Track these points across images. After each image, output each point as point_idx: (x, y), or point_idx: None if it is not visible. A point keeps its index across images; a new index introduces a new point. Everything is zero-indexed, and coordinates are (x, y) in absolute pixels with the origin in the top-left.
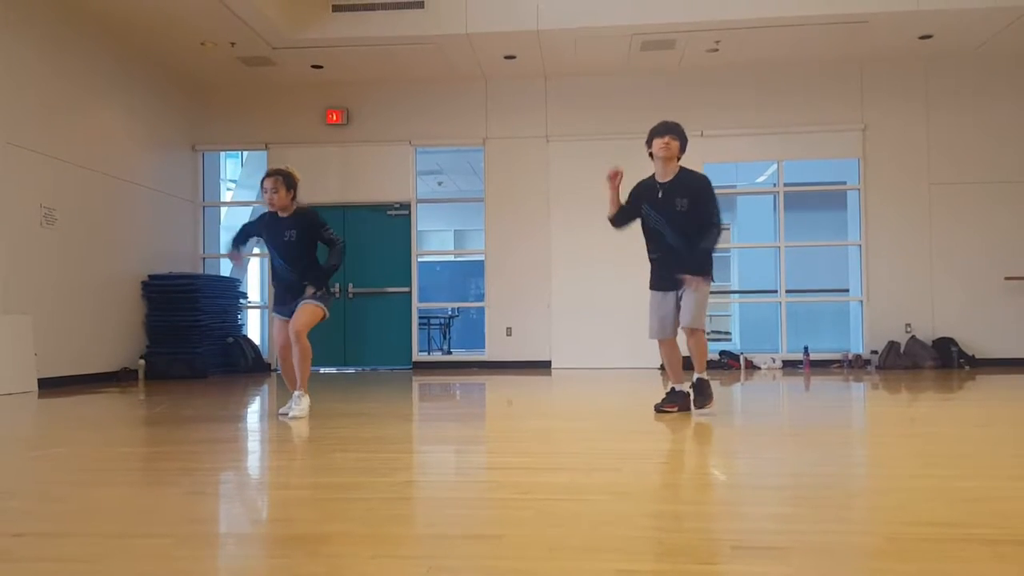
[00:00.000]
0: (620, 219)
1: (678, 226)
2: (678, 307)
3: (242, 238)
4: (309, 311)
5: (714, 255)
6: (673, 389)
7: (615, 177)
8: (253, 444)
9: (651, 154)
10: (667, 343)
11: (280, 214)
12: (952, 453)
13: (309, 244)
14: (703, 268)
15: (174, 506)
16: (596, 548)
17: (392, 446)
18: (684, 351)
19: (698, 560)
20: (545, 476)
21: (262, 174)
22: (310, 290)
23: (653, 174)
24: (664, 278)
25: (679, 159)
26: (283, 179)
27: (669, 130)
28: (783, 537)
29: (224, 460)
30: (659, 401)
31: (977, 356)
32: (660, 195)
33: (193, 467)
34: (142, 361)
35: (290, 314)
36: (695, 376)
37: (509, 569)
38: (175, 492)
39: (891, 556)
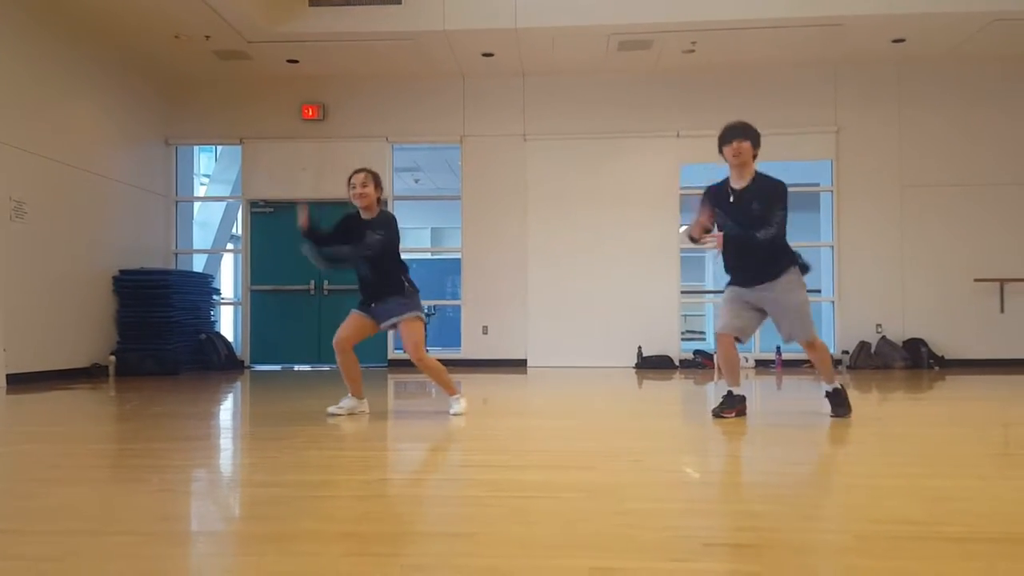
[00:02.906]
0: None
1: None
2: (759, 314)
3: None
4: (412, 331)
5: (801, 261)
6: (730, 392)
7: (696, 235)
8: (224, 441)
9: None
10: (727, 341)
11: (363, 215)
12: (921, 452)
13: (392, 246)
14: (792, 262)
15: (144, 504)
16: (569, 545)
17: (366, 444)
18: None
19: (670, 557)
20: (519, 474)
21: (237, 169)
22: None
23: (727, 178)
24: (749, 278)
25: (755, 157)
26: (372, 176)
27: (736, 133)
28: (754, 534)
29: (195, 457)
30: (716, 406)
31: (947, 357)
32: (732, 200)
33: (163, 464)
34: (113, 357)
35: (369, 311)
36: (825, 387)
37: (482, 567)
38: (145, 489)
39: (860, 554)
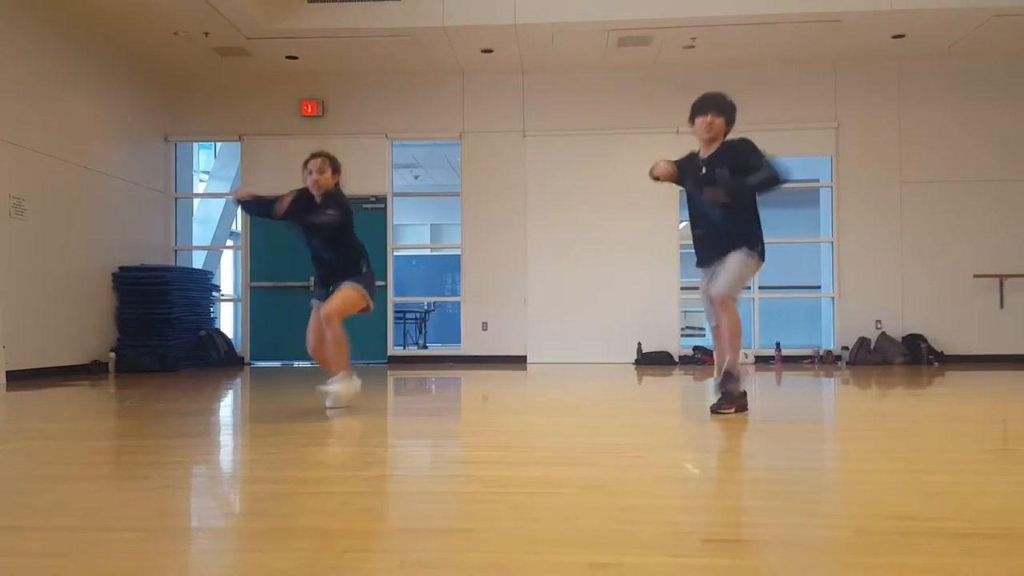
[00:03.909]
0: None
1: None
2: None
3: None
4: (344, 295)
5: (761, 247)
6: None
7: (659, 175)
8: (224, 438)
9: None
10: (718, 331)
11: (317, 198)
12: (920, 448)
13: (346, 223)
14: (747, 243)
15: (144, 500)
16: (568, 541)
17: (365, 440)
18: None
19: (669, 553)
20: (518, 470)
21: (236, 165)
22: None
23: (698, 151)
24: (708, 255)
25: (727, 134)
26: (330, 162)
27: (711, 106)
28: (753, 530)
29: (195, 454)
30: (715, 402)
31: (946, 352)
32: (703, 172)
33: (163, 461)
34: (112, 354)
35: (327, 296)
36: (725, 364)
37: (481, 563)
38: (145, 486)
39: (860, 549)
